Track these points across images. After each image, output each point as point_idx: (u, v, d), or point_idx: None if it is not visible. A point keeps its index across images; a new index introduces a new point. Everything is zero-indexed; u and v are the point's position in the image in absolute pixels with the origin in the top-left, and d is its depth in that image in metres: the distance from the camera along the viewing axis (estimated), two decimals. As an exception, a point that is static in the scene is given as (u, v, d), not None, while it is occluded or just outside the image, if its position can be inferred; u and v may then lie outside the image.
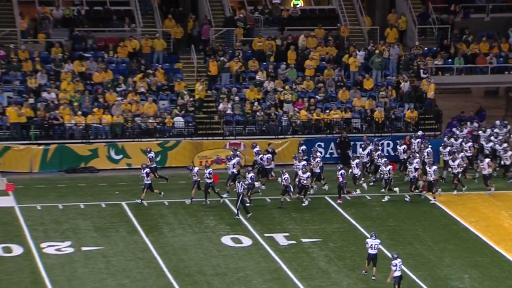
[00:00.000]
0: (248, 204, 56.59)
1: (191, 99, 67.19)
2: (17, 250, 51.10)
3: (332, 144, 65.78)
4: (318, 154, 60.41)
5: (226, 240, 52.83)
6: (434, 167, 57.54)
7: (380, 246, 48.34)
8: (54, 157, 63.08)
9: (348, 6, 74.51)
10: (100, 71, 68.12)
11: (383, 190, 59.99)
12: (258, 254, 51.18)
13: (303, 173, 56.79)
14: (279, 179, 57.67)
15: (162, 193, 58.85)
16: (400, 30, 73.60)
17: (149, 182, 57.79)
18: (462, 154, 61.63)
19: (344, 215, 56.78)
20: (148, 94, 67.13)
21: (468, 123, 66.68)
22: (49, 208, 56.97)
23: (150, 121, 65.32)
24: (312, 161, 59.69)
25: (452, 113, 69.81)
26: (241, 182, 56.08)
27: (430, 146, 61.88)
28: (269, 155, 61.23)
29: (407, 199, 58.50)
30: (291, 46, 71.19)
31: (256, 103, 66.80)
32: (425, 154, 60.33)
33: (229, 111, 66.44)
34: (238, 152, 61.64)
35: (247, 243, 52.37)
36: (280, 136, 65.54)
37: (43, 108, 64.41)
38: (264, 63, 70.39)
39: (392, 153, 65.15)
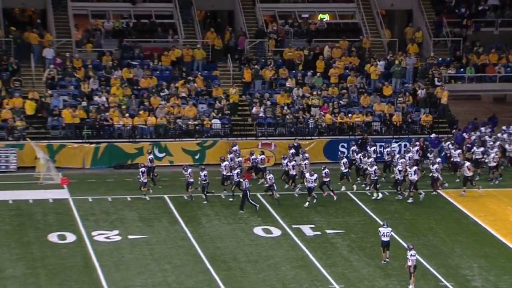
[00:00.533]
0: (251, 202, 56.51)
1: (227, 103, 67.43)
2: (70, 237, 51.56)
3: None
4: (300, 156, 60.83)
5: (258, 230, 53.12)
6: (414, 168, 57.74)
7: (394, 234, 48.88)
8: (104, 154, 63.59)
9: (369, 20, 74.51)
10: (145, 77, 68.50)
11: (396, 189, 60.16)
12: (287, 243, 51.40)
13: (311, 175, 56.71)
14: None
15: (151, 190, 58.98)
16: (418, 42, 73.66)
17: (145, 180, 58.03)
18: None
19: (364, 209, 56.92)
20: (189, 98, 67.43)
21: (482, 128, 66.69)
22: (99, 200, 57.49)
23: (190, 122, 65.47)
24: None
25: (463, 118, 69.49)
26: (245, 181, 56.32)
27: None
28: (263, 156, 61.85)
29: (398, 198, 58.87)
30: (318, 56, 71.50)
31: (285, 107, 67.02)
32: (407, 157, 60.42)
33: (261, 114, 66.73)
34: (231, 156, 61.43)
35: (276, 234, 52.62)
36: (307, 137, 65.48)
37: (95, 111, 64.98)
38: (293, 71, 70.54)
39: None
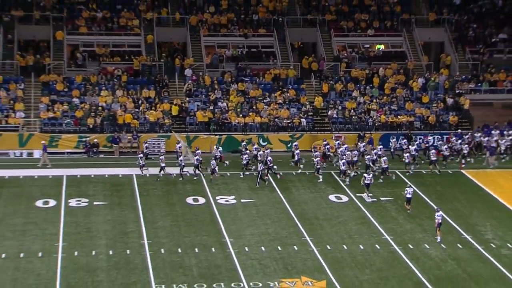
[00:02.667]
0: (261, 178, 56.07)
1: (311, 107, 67.78)
2: (201, 200, 52.84)
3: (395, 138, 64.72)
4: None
5: (332, 197, 53.87)
6: (384, 158, 57.84)
7: (428, 201, 50.22)
8: (225, 143, 63.62)
9: (413, 49, 74.16)
10: (253, 89, 68.93)
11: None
12: (352, 207, 52.27)
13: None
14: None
15: (149, 169, 57.91)
16: (447, 64, 73.52)
17: (143, 163, 57.53)
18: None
19: (408, 182, 55.82)
20: (284, 104, 67.61)
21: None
22: (221, 175, 57.92)
23: (285, 121, 65.83)
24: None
25: (480, 119, 68.93)
26: (260, 164, 56.50)
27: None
28: (329, 145, 61.96)
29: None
30: (375, 74, 71.55)
31: (352, 111, 67.24)
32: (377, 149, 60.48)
33: (335, 115, 66.91)
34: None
35: (345, 200, 53.42)
36: (367, 132, 65.20)
37: (219, 112, 65.79)
38: (358, 85, 70.48)
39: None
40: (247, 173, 58.35)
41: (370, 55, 74.50)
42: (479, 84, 71.23)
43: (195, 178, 57.16)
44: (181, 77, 70.10)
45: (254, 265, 42.78)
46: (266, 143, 63.51)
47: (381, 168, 57.87)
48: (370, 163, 57.88)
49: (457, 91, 69.89)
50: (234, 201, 52.81)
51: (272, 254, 44.10)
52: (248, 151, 59.46)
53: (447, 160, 61.48)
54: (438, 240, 45.95)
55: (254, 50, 73.74)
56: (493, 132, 64.93)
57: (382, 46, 75.24)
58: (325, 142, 62.03)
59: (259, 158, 58.05)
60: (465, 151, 61.82)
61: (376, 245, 45.74)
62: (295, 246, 45.24)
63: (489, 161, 60.43)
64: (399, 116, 67.24)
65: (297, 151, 59.50)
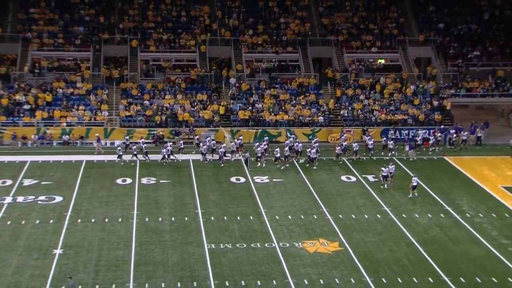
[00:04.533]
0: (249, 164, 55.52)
1: (327, 108, 67.39)
2: (242, 179, 53.00)
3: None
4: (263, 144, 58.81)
5: (343, 178, 53.76)
6: (315, 149, 56.95)
7: (418, 180, 49.50)
8: (260, 135, 63.10)
9: (406, 62, 73.41)
10: (283, 93, 68.55)
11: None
12: (359, 185, 52.23)
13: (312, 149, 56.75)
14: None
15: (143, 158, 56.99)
16: (433, 75, 73.03)
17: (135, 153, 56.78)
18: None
19: (402, 167, 56.27)
20: (306, 105, 67.32)
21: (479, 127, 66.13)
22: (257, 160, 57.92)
23: (307, 118, 65.51)
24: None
25: (458, 117, 68.25)
26: (247, 152, 56.18)
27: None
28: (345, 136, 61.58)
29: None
30: (377, 82, 71.03)
31: (359, 111, 66.92)
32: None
33: (346, 114, 66.61)
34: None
35: (353, 180, 53.26)
36: (370, 127, 64.79)
37: (256, 112, 65.69)
38: (364, 91, 69.96)
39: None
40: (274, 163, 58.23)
41: (373, 68, 73.93)
42: (458, 90, 70.48)
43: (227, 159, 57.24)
44: (227, 84, 70.00)
45: (283, 229, 43.04)
46: (292, 135, 63.13)
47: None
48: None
49: (441, 96, 69.21)
50: (268, 180, 52.81)
51: (297, 222, 44.35)
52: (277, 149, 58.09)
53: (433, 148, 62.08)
54: (410, 197, 48.73)
55: (283, 63, 73.21)
56: (451, 131, 64.55)
57: (383, 61, 74.51)
58: (342, 134, 62.45)
59: (286, 148, 57.85)
60: (480, 134, 63.21)
61: (378, 215, 45.99)
62: (314, 215, 45.53)
63: (409, 154, 59.22)
64: (395, 115, 66.74)
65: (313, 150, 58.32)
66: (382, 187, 51.03)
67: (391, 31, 76.37)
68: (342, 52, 74.23)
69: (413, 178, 49.23)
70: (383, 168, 51.73)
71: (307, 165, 56.31)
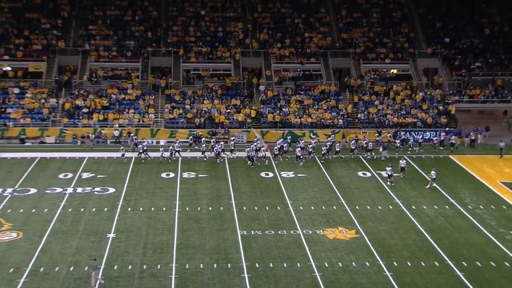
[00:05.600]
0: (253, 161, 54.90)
1: (346, 111, 66.93)
2: (270, 174, 52.78)
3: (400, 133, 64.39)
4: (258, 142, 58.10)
5: (360, 173, 53.40)
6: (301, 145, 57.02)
7: (426, 176, 48.57)
8: (286, 135, 62.72)
9: (416, 72, 73.03)
10: (307, 99, 68.32)
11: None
12: (374, 180, 51.88)
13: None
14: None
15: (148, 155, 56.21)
16: (440, 83, 72.35)
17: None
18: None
19: (413, 164, 55.81)
20: (327, 109, 67.04)
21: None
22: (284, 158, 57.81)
23: (328, 121, 65.28)
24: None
25: (461, 121, 67.92)
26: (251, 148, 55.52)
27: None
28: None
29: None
30: (390, 90, 70.55)
31: (374, 114, 66.62)
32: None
33: (362, 117, 66.34)
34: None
35: (369, 175, 52.89)
36: (384, 129, 64.12)
37: (283, 115, 65.32)
38: (378, 97, 69.49)
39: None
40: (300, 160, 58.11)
41: (387, 77, 73.47)
42: (462, 97, 69.92)
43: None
44: (257, 91, 69.93)
45: (306, 219, 43.06)
46: (315, 136, 63.05)
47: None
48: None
49: (447, 101, 68.69)
50: (293, 175, 52.58)
51: (318, 212, 44.37)
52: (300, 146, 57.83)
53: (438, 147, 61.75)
54: (401, 176, 50.90)
55: (307, 72, 72.94)
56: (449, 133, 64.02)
57: (395, 70, 74.02)
58: (356, 136, 62.09)
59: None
60: (454, 141, 61.53)
61: (390, 206, 45.84)
62: (334, 206, 45.51)
63: (382, 153, 58.08)
64: (406, 118, 66.42)
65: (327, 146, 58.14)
66: (388, 183, 50.67)
67: (403, 45, 75.96)
68: (359, 63, 73.91)
69: (401, 162, 51.12)
70: (388, 168, 51.32)
71: (295, 161, 55.73)
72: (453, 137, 62.15)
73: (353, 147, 58.54)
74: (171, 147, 56.41)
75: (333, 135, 62.22)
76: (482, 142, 63.91)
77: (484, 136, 65.14)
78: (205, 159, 56.42)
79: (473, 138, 63.13)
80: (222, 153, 56.59)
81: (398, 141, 60.60)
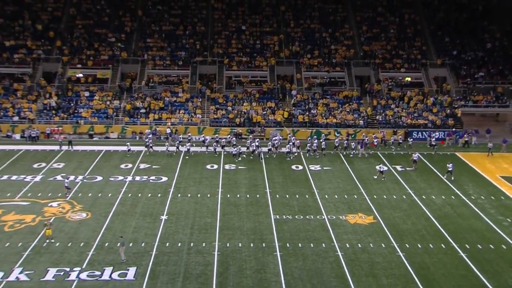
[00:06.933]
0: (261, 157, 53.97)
1: (366, 114, 66.46)
2: (300, 167, 52.34)
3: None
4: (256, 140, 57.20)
5: (377, 167, 52.94)
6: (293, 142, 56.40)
7: (436, 171, 48.09)
8: (314, 134, 62.35)
9: (428, 80, 72.42)
10: (332, 103, 68.04)
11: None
12: (390, 173, 51.24)
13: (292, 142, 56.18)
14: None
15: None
16: (448, 90, 71.51)
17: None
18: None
19: (424, 161, 55.33)
20: (350, 111, 66.53)
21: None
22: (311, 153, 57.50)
23: (350, 122, 64.77)
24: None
25: (466, 123, 66.81)
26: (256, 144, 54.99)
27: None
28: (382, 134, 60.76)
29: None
30: (405, 95, 69.89)
31: (391, 116, 66.10)
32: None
33: (380, 119, 65.77)
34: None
35: (385, 168, 52.12)
36: (399, 129, 63.77)
37: (311, 116, 65.02)
38: (394, 101, 68.95)
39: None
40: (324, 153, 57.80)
41: (402, 84, 72.93)
42: (467, 102, 69.05)
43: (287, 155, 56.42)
44: (290, 95, 69.72)
45: (331, 205, 42.95)
46: (339, 134, 62.62)
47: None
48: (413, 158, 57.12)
49: (454, 106, 67.92)
50: (320, 168, 52.22)
51: (341, 200, 44.22)
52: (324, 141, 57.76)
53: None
54: (413, 168, 50.46)
55: (333, 79, 72.49)
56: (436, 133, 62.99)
57: (409, 78, 73.30)
58: (374, 135, 61.42)
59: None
60: (468, 139, 61.37)
61: (403, 196, 45.52)
62: (355, 195, 45.30)
63: (360, 151, 56.88)
64: (418, 120, 65.73)
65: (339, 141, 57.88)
66: (376, 177, 49.63)
67: (416, 56, 75.19)
68: (378, 71, 73.27)
69: (414, 155, 51.00)
70: (381, 165, 50.74)
71: (287, 158, 54.75)
72: (469, 135, 61.88)
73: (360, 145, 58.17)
74: (214, 143, 57.02)
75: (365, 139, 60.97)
76: (476, 144, 62.55)
77: (486, 137, 64.05)
78: (244, 156, 55.49)
79: (467, 139, 61.99)
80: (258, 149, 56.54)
81: (411, 140, 60.02)
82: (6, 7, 76.27)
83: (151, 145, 55.76)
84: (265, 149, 55.93)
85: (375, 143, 58.50)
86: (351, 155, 56.20)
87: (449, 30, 79.20)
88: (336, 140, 58.40)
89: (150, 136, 58.90)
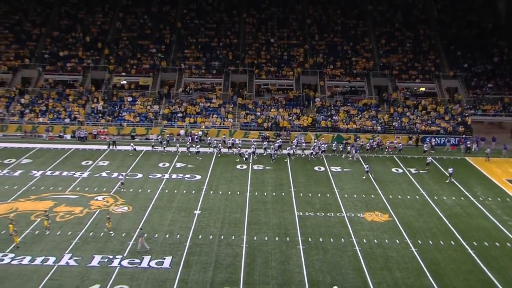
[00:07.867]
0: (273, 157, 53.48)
1: (383, 120, 65.83)
2: (322, 168, 51.93)
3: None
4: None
5: (393, 169, 52.13)
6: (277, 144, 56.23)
7: (445, 172, 47.28)
8: (334, 138, 62.14)
9: (441, 90, 71.44)
10: (352, 110, 67.42)
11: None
12: (404, 175, 50.74)
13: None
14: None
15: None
16: (459, 100, 70.59)
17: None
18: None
19: (435, 163, 54.72)
20: (369, 118, 65.92)
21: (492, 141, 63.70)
22: (331, 154, 56.93)
23: (369, 127, 64.26)
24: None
25: (476, 130, 65.89)
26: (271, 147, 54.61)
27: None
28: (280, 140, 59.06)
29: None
30: (419, 104, 68.96)
31: (406, 123, 65.35)
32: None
33: (397, 125, 65.09)
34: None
35: (400, 171, 51.69)
36: (414, 134, 63.06)
37: (333, 121, 64.52)
38: (410, 109, 68.17)
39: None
40: (343, 156, 57.38)
41: (417, 93, 72.20)
42: (476, 111, 68.07)
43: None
44: (314, 102, 69.33)
45: (350, 204, 42.73)
46: (358, 139, 62.12)
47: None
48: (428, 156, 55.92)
49: (464, 114, 67.04)
50: (340, 169, 51.87)
51: (359, 199, 43.93)
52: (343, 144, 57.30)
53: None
54: (426, 170, 49.88)
55: (353, 88, 72.05)
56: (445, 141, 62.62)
57: (423, 89, 72.54)
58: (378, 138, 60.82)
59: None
60: (469, 145, 60.24)
61: (416, 196, 45.08)
62: (372, 195, 45.00)
63: (354, 156, 55.85)
64: (431, 127, 64.95)
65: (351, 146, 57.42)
66: (364, 177, 48.78)
67: (430, 68, 74.30)
68: (395, 82, 72.57)
69: (450, 169, 49.06)
70: (428, 158, 50.83)
71: (286, 160, 54.06)
72: (470, 142, 60.85)
73: (368, 147, 58.13)
74: (243, 149, 56.62)
75: (374, 141, 60.73)
76: (477, 150, 61.30)
77: (492, 145, 62.68)
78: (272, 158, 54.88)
79: (468, 146, 60.89)
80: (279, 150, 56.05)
81: (425, 145, 59.48)
82: (61, 21, 78.02)
83: (190, 146, 55.65)
84: (285, 152, 55.69)
85: (391, 146, 58.02)
86: (423, 156, 55.93)
87: (461, 45, 78.19)
88: (368, 143, 58.32)
89: (189, 138, 59.11)
